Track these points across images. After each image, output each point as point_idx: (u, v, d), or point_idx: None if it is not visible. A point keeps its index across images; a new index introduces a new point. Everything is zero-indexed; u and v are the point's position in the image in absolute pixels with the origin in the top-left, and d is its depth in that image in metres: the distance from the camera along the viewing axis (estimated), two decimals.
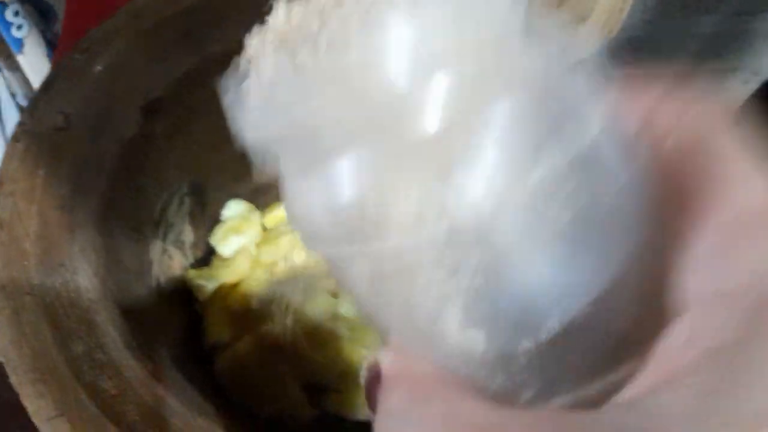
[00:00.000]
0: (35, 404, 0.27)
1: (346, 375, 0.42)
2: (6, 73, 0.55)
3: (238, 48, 0.42)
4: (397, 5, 0.11)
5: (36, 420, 0.26)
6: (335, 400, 0.41)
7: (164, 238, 0.41)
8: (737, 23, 0.73)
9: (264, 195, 0.49)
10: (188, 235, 0.44)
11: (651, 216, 0.13)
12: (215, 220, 0.47)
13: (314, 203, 0.13)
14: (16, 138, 0.32)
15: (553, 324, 0.12)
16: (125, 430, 0.27)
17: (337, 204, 0.12)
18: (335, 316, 0.43)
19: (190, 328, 0.42)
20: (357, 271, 0.13)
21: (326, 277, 0.46)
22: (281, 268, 0.45)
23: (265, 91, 0.13)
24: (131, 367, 0.30)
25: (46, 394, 0.27)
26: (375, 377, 0.13)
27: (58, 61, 0.35)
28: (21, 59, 0.55)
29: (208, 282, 0.43)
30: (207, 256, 0.46)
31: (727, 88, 0.84)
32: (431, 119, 0.11)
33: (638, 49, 0.72)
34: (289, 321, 0.42)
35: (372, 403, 0.13)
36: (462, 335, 0.12)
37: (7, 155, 0.31)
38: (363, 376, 0.14)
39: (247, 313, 0.43)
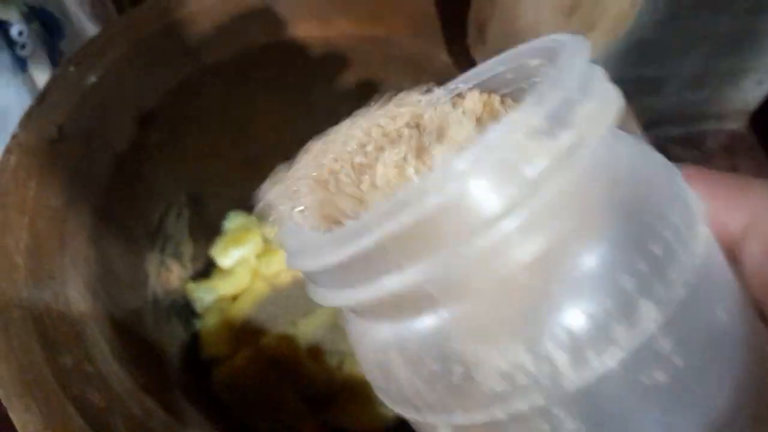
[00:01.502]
0: (22, 418, 0.26)
1: (347, 387, 0.41)
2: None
3: (230, 57, 0.41)
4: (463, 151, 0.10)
5: None
6: (336, 413, 0.40)
7: (162, 250, 0.41)
8: (750, 23, 0.72)
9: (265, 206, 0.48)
10: (187, 247, 0.44)
11: (754, 347, 0.12)
12: (215, 231, 0.47)
13: (392, 357, 0.12)
14: (8, 150, 0.32)
15: None
16: None
17: (420, 361, 0.12)
18: (336, 328, 0.42)
19: (189, 341, 0.42)
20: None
21: None
22: (282, 279, 0.45)
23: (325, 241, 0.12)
24: (120, 379, 0.29)
25: (33, 407, 0.26)
26: None
27: (52, 74, 0.35)
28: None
29: (207, 294, 0.43)
30: (207, 268, 0.46)
31: (742, 89, 0.82)
32: (520, 256, 0.11)
33: (649, 50, 0.71)
34: (289, 333, 0.41)
35: None
36: None
37: (0, 167, 0.31)
38: None
39: (246, 325, 0.42)
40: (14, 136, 0.32)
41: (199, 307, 0.43)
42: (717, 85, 0.80)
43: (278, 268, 0.45)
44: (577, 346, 0.10)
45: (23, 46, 0.53)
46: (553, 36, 0.13)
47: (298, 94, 0.43)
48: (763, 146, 0.85)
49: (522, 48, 0.14)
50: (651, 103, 0.79)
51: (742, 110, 0.85)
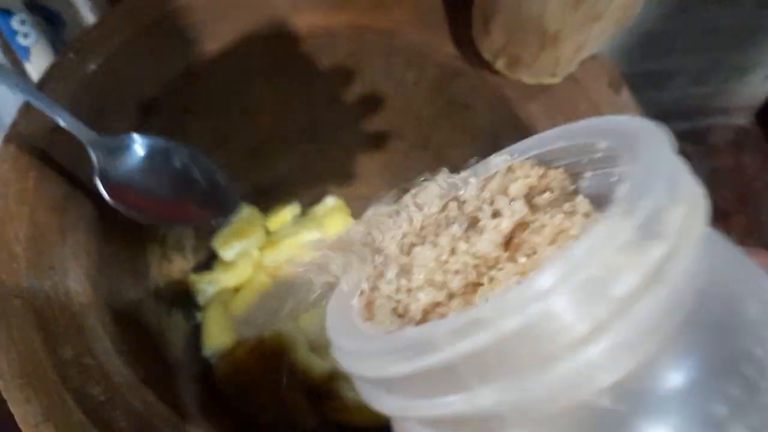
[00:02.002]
0: (22, 409, 0.26)
1: (348, 382, 0.41)
2: None
3: (232, 46, 0.41)
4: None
5: (23, 426, 0.26)
6: (337, 407, 0.40)
7: (163, 242, 0.41)
8: (759, 17, 0.71)
9: (267, 198, 0.48)
10: (189, 238, 0.44)
11: None
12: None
13: None
14: (8, 139, 0.31)
15: None
16: None
17: None
18: None
19: (190, 333, 0.42)
20: None
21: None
22: (284, 271, 0.45)
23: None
24: (121, 372, 0.29)
25: (33, 399, 0.26)
26: None
27: (52, 61, 0.34)
28: (29, 67, 0.56)
29: (209, 286, 0.42)
30: (209, 260, 0.46)
31: (748, 84, 0.81)
32: (604, 379, 0.10)
33: (656, 44, 0.70)
34: (290, 327, 0.41)
35: None
36: None
37: (0, 157, 0.31)
38: None
39: (249, 318, 0.42)
40: (14, 125, 0.32)
41: (200, 299, 0.42)
42: (723, 79, 0.79)
43: (280, 261, 0.45)
44: None
45: (26, 35, 0.52)
46: (622, 118, 0.12)
47: (300, 84, 0.42)
48: None
49: (585, 124, 0.14)
50: (657, 98, 0.78)
51: (748, 105, 0.84)
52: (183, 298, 0.42)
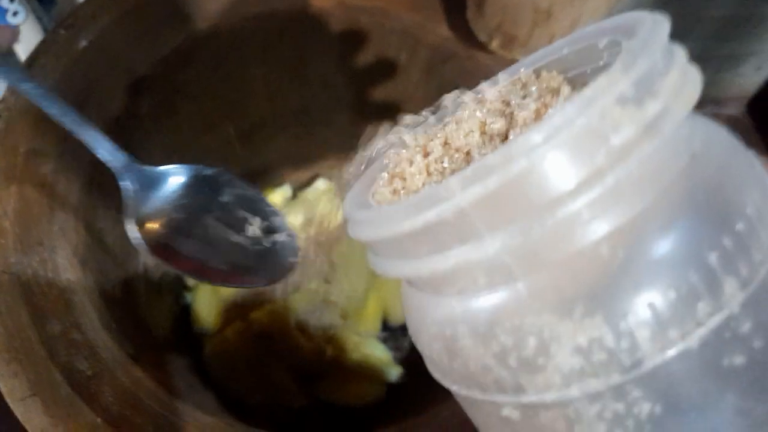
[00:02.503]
0: (9, 384, 0.26)
1: (335, 363, 0.41)
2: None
3: (225, 26, 0.40)
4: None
5: (9, 399, 0.26)
6: (325, 388, 0.40)
7: None
8: (750, 7, 0.71)
9: (258, 180, 0.48)
10: None
11: None
12: None
13: (460, 331, 0.12)
14: None
15: None
16: (99, 411, 0.26)
17: (491, 334, 0.11)
18: (327, 303, 0.42)
19: (179, 315, 0.42)
20: (503, 416, 0.12)
21: (319, 263, 0.45)
22: None
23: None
24: (109, 348, 0.29)
25: (20, 373, 0.26)
26: None
27: (43, 37, 0.34)
28: (17, 47, 0.55)
29: None
30: None
31: (740, 75, 0.81)
32: (602, 228, 0.10)
33: None
34: (279, 308, 0.41)
35: None
36: None
37: None
38: None
39: (236, 300, 0.42)
40: (3, 100, 0.32)
41: (189, 280, 0.42)
42: (715, 69, 0.79)
43: None
44: (659, 322, 0.10)
45: (15, 14, 0.52)
46: (629, 14, 0.13)
47: (293, 64, 0.42)
48: (760, 132, 0.84)
49: (589, 28, 0.14)
50: None
51: (740, 95, 0.84)
52: (172, 280, 0.42)
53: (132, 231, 0.23)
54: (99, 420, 0.26)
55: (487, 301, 0.11)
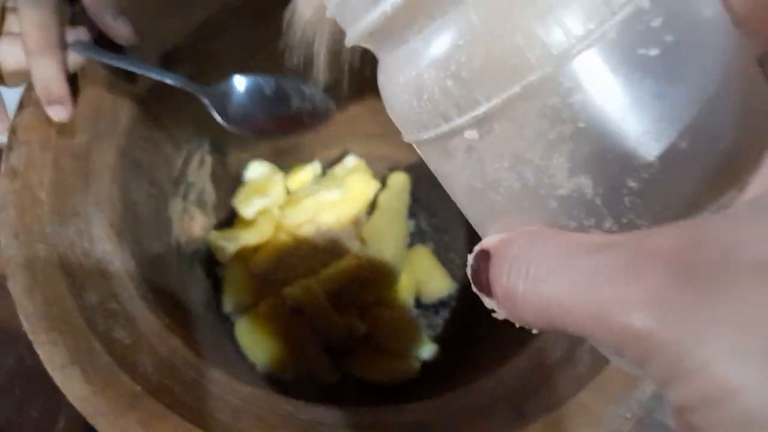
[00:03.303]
0: (49, 352, 0.26)
1: (366, 338, 0.40)
2: None
3: None
4: None
5: (49, 368, 0.26)
6: (357, 363, 0.40)
7: (185, 197, 0.40)
8: None
9: (287, 156, 0.48)
10: (210, 195, 0.43)
11: (737, 40, 0.13)
12: (237, 181, 0.46)
13: (423, 68, 0.13)
14: (30, 86, 0.31)
15: (651, 157, 0.12)
16: (138, 379, 0.26)
17: (450, 58, 0.13)
18: (359, 280, 0.42)
19: (211, 289, 0.41)
20: (466, 145, 0.13)
21: (351, 239, 0.44)
22: (305, 230, 0.44)
23: None
24: (146, 318, 0.29)
25: (60, 342, 0.26)
26: (482, 257, 0.14)
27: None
28: None
29: (229, 243, 0.42)
30: (230, 218, 0.45)
31: None
32: None
33: None
34: (311, 283, 0.41)
35: (481, 283, 0.14)
36: (570, 182, 0.12)
37: (21, 104, 0.31)
38: (470, 265, 0.14)
39: (268, 275, 0.42)
40: None
41: (221, 256, 0.42)
42: None
43: (300, 220, 0.44)
44: (583, 12, 0.12)
45: None
46: None
47: None
48: None
49: None
50: None
51: None
52: (204, 255, 0.42)
53: (222, 122, 0.33)
54: (139, 388, 0.26)
55: (442, 34, 0.13)
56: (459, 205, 0.16)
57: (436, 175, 0.16)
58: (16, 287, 0.27)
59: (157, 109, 0.36)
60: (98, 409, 0.25)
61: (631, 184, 0.12)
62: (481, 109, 0.13)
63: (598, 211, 0.13)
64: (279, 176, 0.46)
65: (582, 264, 0.11)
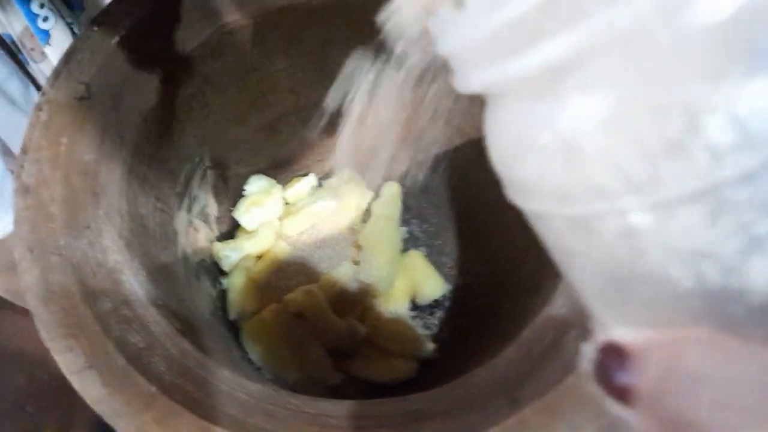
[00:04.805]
0: (66, 358, 0.27)
1: (370, 340, 0.42)
2: (34, 65, 0.57)
3: (254, 18, 0.42)
4: None
5: (66, 371, 0.27)
6: (359, 364, 0.41)
7: (189, 210, 0.42)
8: None
9: (284, 170, 0.49)
10: (212, 208, 0.45)
11: None
12: (238, 194, 0.48)
13: (583, 128, 0.10)
14: (39, 107, 0.32)
15: None
16: (153, 380, 0.27)
17: (620, 125, 0.10)
18: (359, 284, 0.43)
19: (217, 298, 0.43)
20: (627, 228, 0.11)
21: (350, 246, 0.46)
22: (305, 238, 0.46)
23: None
24: (157, 322, 0.30)
25: (76, 347, 0.28)
26: (613, 352, 0.12)
27: (78, 35, 0.36)
28: (48, 51, 0.57)
29: (232, 253, 0.44)
30: (232, 230, 0.47)
31: None
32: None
33: None
34: (312, 289, 0.43)
35: (609, 383, 0.12)
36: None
37: (31, 124, 0.32)
38: (589, 360, 0.12)
39: (270, 282, 0.43)
40: (43, 94, 0.33)
41: (225, 265, 0.44)
42: None
43: (299, 229, 0.46)
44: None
45: (45, 19, 0.53)
46: None
47: (315, 56, 0.43)
48: None
49: None
50: None
51: None
52: (209, 266, 0.44)
53: None
54: (154, 389, 0.27)
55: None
56: (573, 281, 0.13)
57: (547, 243, 0.13)
58: (32, 298, 0.28)
59: (161, 127, 0.38)
60: (116, 410, 0.26)
61: None
62: (671, 192, 0.10)
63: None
64: (277, 189, 0.48)
65: None
